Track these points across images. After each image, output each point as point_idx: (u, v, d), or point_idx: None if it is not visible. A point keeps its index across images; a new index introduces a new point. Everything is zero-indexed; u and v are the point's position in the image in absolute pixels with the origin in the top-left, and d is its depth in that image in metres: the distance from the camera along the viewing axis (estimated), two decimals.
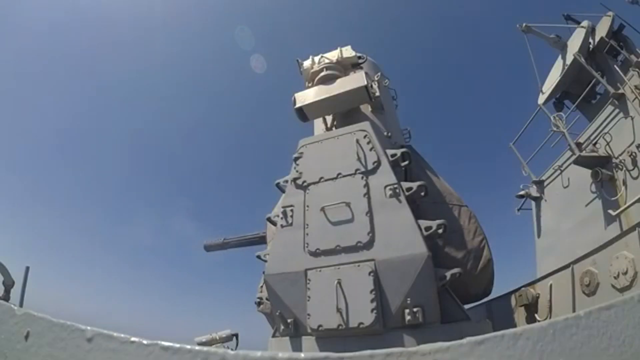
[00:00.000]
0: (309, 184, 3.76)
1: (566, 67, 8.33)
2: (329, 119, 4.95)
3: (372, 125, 3.92)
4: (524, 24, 8.79)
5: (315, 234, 3.46)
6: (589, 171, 6.47)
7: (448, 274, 3.23)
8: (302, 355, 1.04)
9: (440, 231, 3.24)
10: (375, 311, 2.91)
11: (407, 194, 3.38)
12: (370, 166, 3.58)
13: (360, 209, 3.38)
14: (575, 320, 1.02)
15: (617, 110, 6.40)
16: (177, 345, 1.05)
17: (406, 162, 3.73)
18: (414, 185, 3.44)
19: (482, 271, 3.83)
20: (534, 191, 8.62)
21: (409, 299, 2.94)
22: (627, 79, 6.38)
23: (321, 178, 3.72)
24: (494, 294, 4.70)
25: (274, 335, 3.68)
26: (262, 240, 5.84)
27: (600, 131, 6.71)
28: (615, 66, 7.40)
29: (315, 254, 3.36)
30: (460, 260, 3.69)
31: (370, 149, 3.67)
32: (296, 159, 3.98)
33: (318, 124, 5.13)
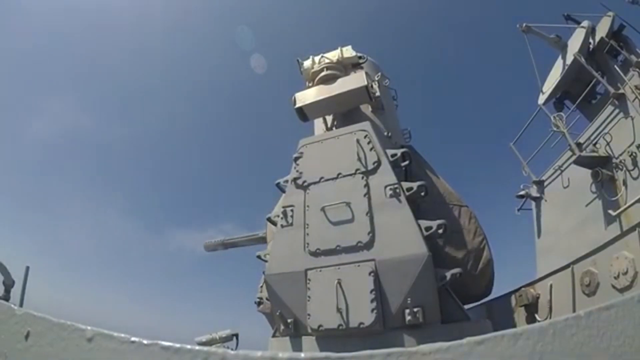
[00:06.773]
0: (309, 184, 3.76)
1: (566, 67, 8.32)
2: (329, 118, 4.95)
3: (372, 125, 3.92)
4: (524, 24, 8.77)
5: (315, 234, 3.46)
6: (589, 171, 6.46)
7: (448, 274, 3.23)
8: (302, 355, 1.04)
9: (440, 231, 3.24)
10: (375, 311, 2.92)
11: (407, 194, 3.38)
12: (370, 166, 3.58)
13: (361, 209, 3.38)
14: (575, 320, 1.02)
15: (617, 110, 6.39)
16: (177, 345, 1.05)
17: (406, 162, 3.74)
18: (414, 185, 3.44)
19: (482, 271, 3.83)
20: (534, 191, 8.60)
21: (409, 299, 2.94)
22: (627, 79, 6.37)
23: (321, 178, 3.72)
24: (494, 294, 4.71)
25: (274, 335, 3.68)
26: (262, 240, 5.85)
27: (601, 131, 6.70)
28: (615, 66, 7.39)
29: (315, 254, 3.36)
30: (461, 261, 3.69)
31: (371, 149, 3.67)
32: (296, 158, 3.98)
33: (318, 124, 5.13)
